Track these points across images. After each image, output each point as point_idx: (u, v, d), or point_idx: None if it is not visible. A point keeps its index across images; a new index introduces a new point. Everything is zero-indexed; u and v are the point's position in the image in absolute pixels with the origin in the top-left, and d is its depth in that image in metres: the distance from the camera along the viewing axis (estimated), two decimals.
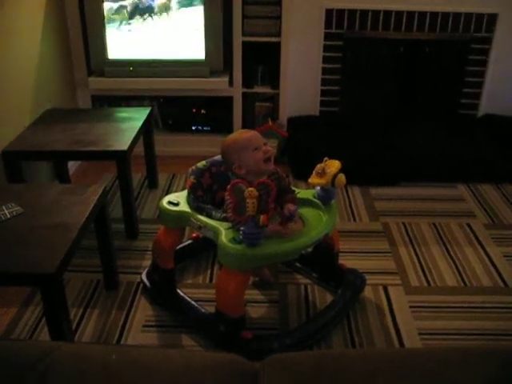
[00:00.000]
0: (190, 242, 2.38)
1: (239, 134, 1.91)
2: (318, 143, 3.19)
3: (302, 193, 2.01)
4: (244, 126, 3.36)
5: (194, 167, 2.00)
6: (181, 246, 2.28)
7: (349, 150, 3.08)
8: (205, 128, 3.47)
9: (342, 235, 2.33)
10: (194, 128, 3.48)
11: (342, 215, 2.76)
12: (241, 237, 1.71)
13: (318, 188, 1.95)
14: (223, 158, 1.94)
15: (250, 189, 1.64)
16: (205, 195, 1.98)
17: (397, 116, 3.58)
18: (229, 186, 1.74)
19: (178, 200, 1.99)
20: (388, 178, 3.08)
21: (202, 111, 3.43)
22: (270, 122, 3.26)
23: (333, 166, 1.88)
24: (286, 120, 3.41)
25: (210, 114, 3.44)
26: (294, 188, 1.99)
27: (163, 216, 2.02)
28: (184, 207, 1.95)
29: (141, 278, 2.21)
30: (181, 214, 1.94)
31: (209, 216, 1.88)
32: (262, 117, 3.44)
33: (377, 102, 3.58)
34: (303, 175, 2.40)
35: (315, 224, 1.87)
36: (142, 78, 3.16)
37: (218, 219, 1.85)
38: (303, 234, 1.81)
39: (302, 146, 3.20)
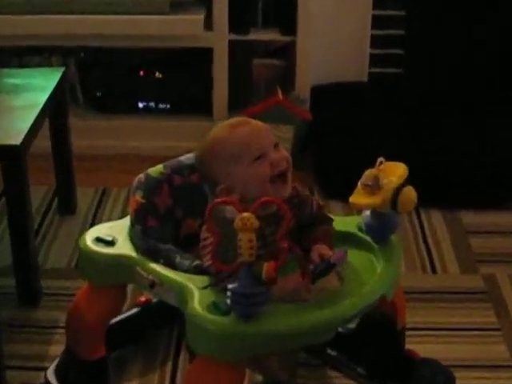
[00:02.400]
0: (134, 311, 2.38)
1: (229, 130, 1.89)
2: (365, 133, 3.22)
3: (339, 222, 2.02)
4: (233, 103, 3.39)
5: (141, 176, 2.02)
6: (119, 318, 2.28)
7: (420, 147, 3.12)
8: (161, 105, 3.51)
9: (410, 298, 2.34)
10: (141, 105, 3.52)
11: (411, 261, 2.77)
12: (228, 301, 1.71)
13: (368, 213, 1.96)
14: (200, 171, 1.97)
15: (245, 214, 1.64)
16: (162, 226, 2.00)
17: (499, 92, 3.59)
18: (207, 210, 1.74)
19: (112, 236, 2.00)
20: (490, 196, 3.11)
21: (157, 75, 3.47)
22: (280, 95, 3.28)
23: (393, 173, 1.89)
24: (308, 91, 3.45)
25: (172, 80, 3.47)
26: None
27: (86, 265, 2.03)
28: (124, 248, 1.97)
29: (45, 377, 2.21)
30: (118, 261, 1.95)
31: (169, 264, 1.89)
32: (264, 85, 3.47)
33: (467, 64, 3.59)
34: (339, 190, 2.40)
35: (363, 278, 1.88)
36: (49, 16, 3.20)
37: (187, 269, 1.85)
38: (341, 297, 1.82)
39: (336, 137, 3.21)
